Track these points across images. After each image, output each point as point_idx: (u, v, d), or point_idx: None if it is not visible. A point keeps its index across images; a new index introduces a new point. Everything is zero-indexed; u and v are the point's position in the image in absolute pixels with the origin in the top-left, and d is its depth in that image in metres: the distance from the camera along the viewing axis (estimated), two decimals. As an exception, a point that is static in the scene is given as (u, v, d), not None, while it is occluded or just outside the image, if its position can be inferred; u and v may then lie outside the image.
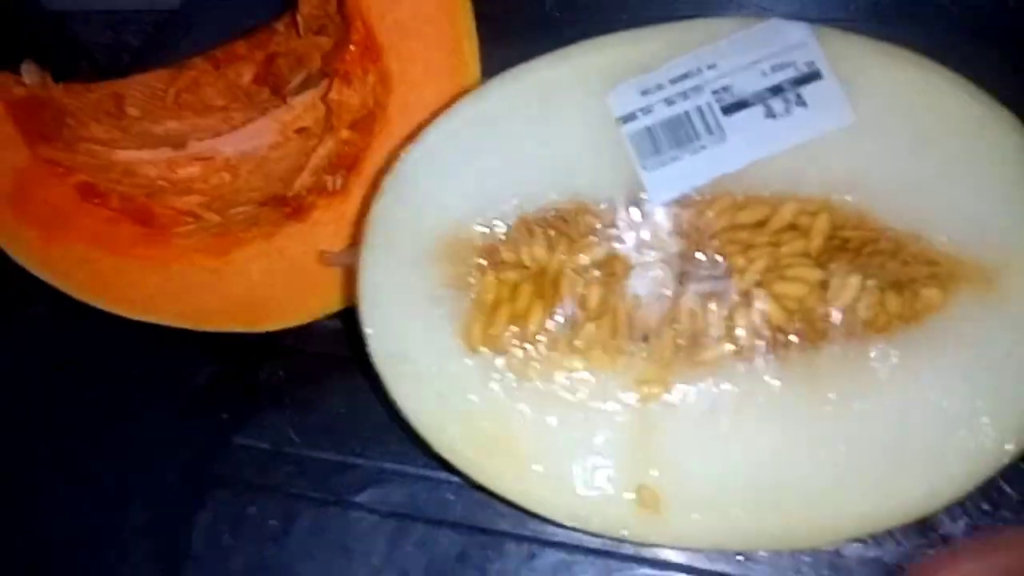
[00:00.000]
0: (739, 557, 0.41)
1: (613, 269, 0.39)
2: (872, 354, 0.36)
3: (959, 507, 0.41)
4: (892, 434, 0.35)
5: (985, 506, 0.41)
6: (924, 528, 0.41)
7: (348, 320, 0.47)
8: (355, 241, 0.44)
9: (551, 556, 0.43)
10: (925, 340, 0.36)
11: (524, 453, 0.38)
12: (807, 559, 0.41)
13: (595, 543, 0.43)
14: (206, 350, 0.52)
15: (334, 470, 0.48)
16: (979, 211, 0.36)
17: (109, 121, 0.55)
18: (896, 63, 0.38)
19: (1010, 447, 0.35)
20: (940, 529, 0.41)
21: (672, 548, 0.41)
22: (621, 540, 0.40)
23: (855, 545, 0.41)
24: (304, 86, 0.55)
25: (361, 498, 0.47)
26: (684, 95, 0.39)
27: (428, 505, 0.46)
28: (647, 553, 0.42)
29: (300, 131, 0.53)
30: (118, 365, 0.54)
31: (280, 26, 0.58)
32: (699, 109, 0.39)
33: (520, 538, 0.44)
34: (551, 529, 0.42)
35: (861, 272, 0.37)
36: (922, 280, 0.37)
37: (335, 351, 0.43)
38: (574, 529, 0.40)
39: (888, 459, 0.35)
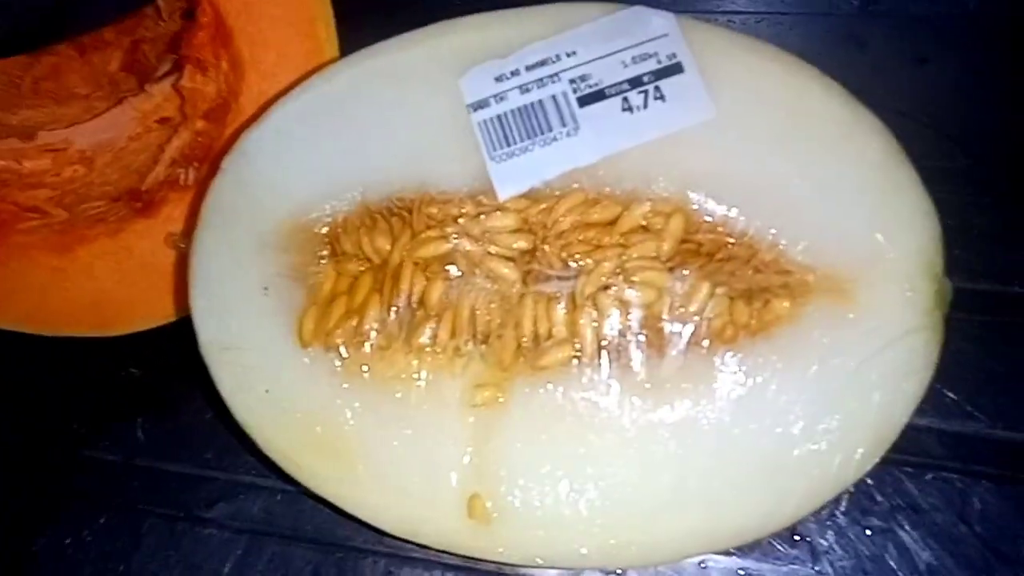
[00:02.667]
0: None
1: (456, 265, 0.37)
2: (718, 364, 0.34)
3: (829, 517, 0.39)
4: (734, 448, 0.33)
5: (855, 514, 0.39)
6: (791, 537, 0.39)
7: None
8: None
9: (408, 574, 0.41)
10: (773, 352, 0.34)
11: (353, 457, 0.36)
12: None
13: (454, 560, 0.40)
14: (58, 357, 0.49)
15: (186, 483, 0.45)
16: (837, 218, 0.34)
17: (-42, 112, 0.51)
18: (761, 59, 0.35)
19: (856, 465, 0.33)
20: (810, 538, 0.39)
21: (505, 563, 0.38)
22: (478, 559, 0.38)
23: (719, 556, 0.39)
24: (170, 73, 0.51)
25: (213, 513, 0.44)
26: (540, 83, 0.37)
27: (283, 520, 0.43)
28: (508, 571, 0.40)
29: (162, 121, 0.50)
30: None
31: (150, 10, 0.54)
32: (554, 98, 0.36)
33: (377, 555, 0.41)
34: (408, 546, 0.40)
35: (711, 279, 0.35)
36: (774, 289, 0.34)
37: (194, 356, 0.39)
38: (427, 547, 0.37)
39: (729, 475, 0.33)
